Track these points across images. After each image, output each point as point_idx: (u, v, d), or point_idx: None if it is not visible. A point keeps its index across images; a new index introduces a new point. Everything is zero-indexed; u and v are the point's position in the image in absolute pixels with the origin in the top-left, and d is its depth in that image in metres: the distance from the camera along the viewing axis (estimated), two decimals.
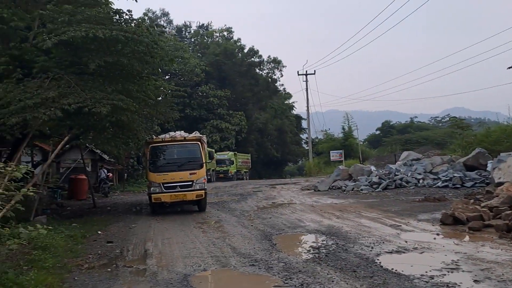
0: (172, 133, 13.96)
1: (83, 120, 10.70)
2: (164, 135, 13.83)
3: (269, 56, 48.05)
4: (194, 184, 12.63)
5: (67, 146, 16.25)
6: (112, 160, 24.69)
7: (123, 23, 10.67)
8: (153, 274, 6.19)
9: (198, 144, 13.26)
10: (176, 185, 12.53)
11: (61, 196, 17.23)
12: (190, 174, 12.64)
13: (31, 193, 5.73)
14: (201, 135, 14.20)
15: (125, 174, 26.71)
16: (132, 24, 10.72)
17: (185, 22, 51.57)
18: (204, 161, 13.12)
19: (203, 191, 12.83)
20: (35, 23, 10.21)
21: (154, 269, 6.51)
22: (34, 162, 15.54)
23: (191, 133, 14.65)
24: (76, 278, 6.10)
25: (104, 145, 15.03)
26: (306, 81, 40.49)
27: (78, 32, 8.84)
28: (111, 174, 25.04)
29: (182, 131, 14.31)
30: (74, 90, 9.34)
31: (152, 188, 12.65)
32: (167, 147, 13.22)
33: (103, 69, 10.48)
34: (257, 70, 47.31)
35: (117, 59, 9.99)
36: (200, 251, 7.59)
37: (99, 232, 10.09)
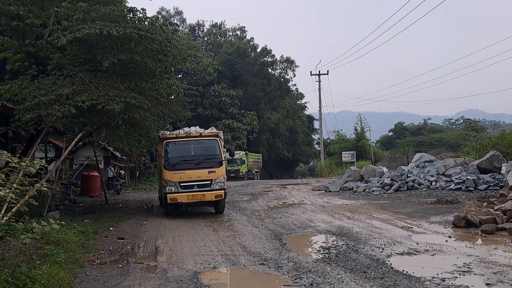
0: (186, 129, 12.89)
1: (96, 117, 10.84)
2: (178, 130, 12.87)
3: (282, 56, 47.89)
4: (213, 183, 11.62)
5: (80, 143, 16.45)
6: (124, 157, 24.93)
7: (137, 21, 10.76)
8: (164, 271, 6.23)
9: (217, 140, 12.27)
10: (194, 185, 11.53)
11: (74, 192, 17.48)
12: (209, 172, 11.66)
13: (45, 189, 5.82)
14: (217, 131, 13.09)
15: (137, 172, 26.96)
16: (146, 23, 10.80)
17: (198, 21, 51.64)
18: (223, 158, 12.18)
19: (223, 191, 11.75)
20: (50, 21, 10.38)
21: (165, 266, 6.54)
22: (48, 158, 15.74)
23: (206, 130, 13.65)
24: (87, 273, 6.16)
25: (116, 142, 15.11)
26: (319, 81, 40.28)
27: (92, 30, 8.96)
28: (123, 172, 25.31)
29: (197, 127, 13.19)
30: (88, 87, 9.46)
31: (167, 188, 11.60)
32: (183, 143, 12.20)
33: (117, 67, 10.59)
34: (270, 70, 47.19)
35: (131, 57, 10.08)
36: (210, 249, 7.62)
37: (111, 228, 10.19)
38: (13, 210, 5.39)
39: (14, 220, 5.69)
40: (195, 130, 12.63)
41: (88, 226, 9.78)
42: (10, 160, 5.49)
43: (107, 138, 15.28)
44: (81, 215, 12.09)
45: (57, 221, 6.99)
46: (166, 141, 12.12)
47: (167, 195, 11.56)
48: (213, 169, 11.73)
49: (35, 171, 5.87)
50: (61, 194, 14.99)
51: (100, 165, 20.42)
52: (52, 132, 12.29)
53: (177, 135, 12.29)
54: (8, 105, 9.65)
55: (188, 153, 12.20)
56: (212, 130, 12.87)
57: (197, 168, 11.72)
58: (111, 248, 7.95)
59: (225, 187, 11.96)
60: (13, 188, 5.22)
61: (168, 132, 12.67)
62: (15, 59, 10.58)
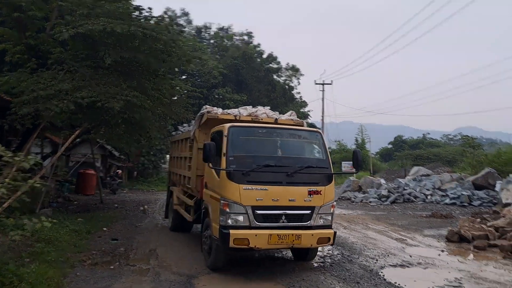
0: (250, 108, 7.78)
1: (96, 114, 10.73)
2: (233, 110, 7.82)
3: (287, 63, 47.94)
4: (315, 214, 6.30)
5: (78, 140, 16.36)
6: (122, 157, 24.82)
7: (142, 20, 10.71)
8: (156, 274, 6.16)
9: (321, 134, 7.22)
10: (281, 214, 6.14)
11: (69, 190, 17.34)
12: (310, 193, 6.29)
13: (38, 185, 5.72)
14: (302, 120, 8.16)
15: (135, 172, 26.80)
16: (151, 22, 10.74)
17: (205, 23, 51.61)
18: (332, 170, 6.86)
19: (331, 231, 6.41)
20: (53, 14, 10.27)
21: (158, 269, 6.47)
22: (44, 154, 15.67)
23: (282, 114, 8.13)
24: (78, 273, 6.07)
25: (115, 141, 14.95)
26: (323, 90, 40.56)
27: (96, 26, 8.87)
28: (120, 171, 25.21)
29: (266, 107, 7.95)
30: (88, 84, 9.36)
31: (231, 216, 5.95)
32: (264, 134, 6.86)
33: (119, 65, 10.49)
34: (275, 77, 47.20)
35: (134, 55, 9.98)
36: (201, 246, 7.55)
37: (105, 228, 10.07)
38: (4, 205, 5.30)
39: (4, 216, 5.59)
40: (264, 112, 7.58)
41: (81, 225, 9.64)
42: (3, 154, 5.40)
43: (106, 136, 15.15)
44: (74, 213, 11.95)
45: (50, 218, 6.90)
46: (230, 126, 6.49)
47: (229, 230, 5.86)
48: (318, 188, 6.36)
49: (29, 167, 5.77)
50: (55, 191, 14.86)
51: (97, 163, 20.32)
52: (49, 128, 12.15)
53: (237, 117, 7.32)
54: (5, 97, 9.51)
55: (271, 152, 6.77)
56: (292, 115, 8.06)
57: (288, 184, 6.23)
58: (103, 248, 7.84)
59: (332, 222, 6.60)
60: (5, 183, 5.14)
61: (220, 111, 7.63)
62: (14, 51, 10.43)
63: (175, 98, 16.14)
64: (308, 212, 6.24)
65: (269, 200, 6.02)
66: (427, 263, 6.87)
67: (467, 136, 31.26)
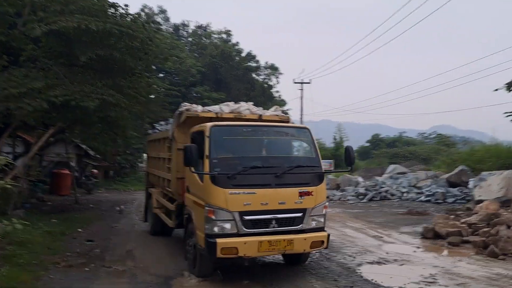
0: (232, 105, 7.26)
1: (70, 113, 10.49)
2: (214, 107, 7.18)
3: (266, 62, 48.05)
4: (306, 217, 5.91)
5: (52, 139, 15.90)
6: (98, 156, 24.33)
7: (118, 17, 10.53)
8: (133, 276, 6.07)
9: (309, 131, 6.60)
10: (271, 219, 5.72)
11: (43, 190, 16.83)
12: (301, 194, 5.90)
13: (10, 186, 5.55)
14: (287, 115, 7.69)
15: (111, 172, 26.33)
16: (127, 19, 10.58)
17: (183, 21, 51.03)
18: (322, 169, 6.48)
19: (325, 233, 6.08)
20: (25, 10, 9.97)
21: (134, 270, 6.36)
22: (16, 154, 15.22)
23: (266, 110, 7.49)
24: (51, 276, 5.91)
25: (90, 140, 14.67)
26: (302, 89, 40.84)
27: (70, 23, 8.65)
28: (96, 171, 24.70)
29: (249, 103, 7.56)
30: (62, 82, 9.15)
31: (217, 224, 5.51)
32: (249, 132, 6.37)
33: (94, 63, 10.28)
34: (254, 75, 47.22)
35: (110, 53, 9.80)
36: (183, 255, 7.48)
37: (80, 229, 9.83)
38: None
39: None
40: (248, 108, 7.15)
41: (56, 227, 9.41)
42: None
43: (81, 135, 14.85)
44: (48, 214, 11.62)
45: (22, 220, 6.71)
46: (212, 126, 5.99)
47: (215, 239, 5.41)
48: (309, 188, 5.97)
49: (1, 167, 5.59)
50: (28, 191, 14.39)
51: (72, 163, 19.83)
52: (22, 126, 11.80)
53: (219, 115, 6.83)
54: None
55: (257, 153, 6.42)
56: (277, 111, 7.54)
57: (278, 185, 5.84)
58: (78, 250, 7.66)
59: (325, 224, 6.27)
60: None
61: (200, 108, 7.01)
62: None
63: (152, 96, 15.93)
64: (299, 214, 5.82)
65: (257, 204, 5.59)
66: (403, 260, 7.02)
67: (442, 134, 32.18)
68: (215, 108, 7.01)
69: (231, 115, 6.82)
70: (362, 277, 6.01)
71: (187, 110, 6.83)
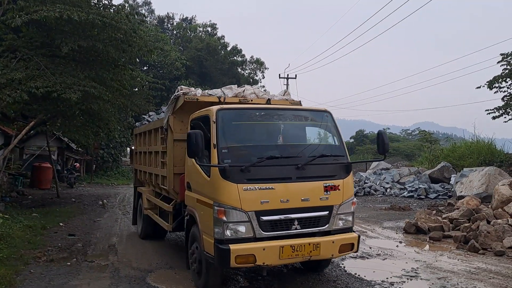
0: (235, 88, 6.35)
1: (51, 105, 10.27)
2: (215, 90, 6.28)
3: (252, 57, 47.87)
4: (333, 215, 5.02)
5: (32, 131, 15.57)
6: (80, 149, 23.92)
7: (101, 8, 10.32)
8: (116, 270, 6.00)
9: (330, 115, 5.67)
10: (293, 218, 4.80)
11: (23, 184, 16.49)
12: (326, 189, 5.00)
13: None
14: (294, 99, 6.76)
15: (94, 165, 25.94)
16: (111, 10, 10.38)
17: (168, 13, 50.39)
18: (349, 158, 5.50)
19: (354, 235, 5.24)
20: None
21: (117, 265, 6.30)
22: None
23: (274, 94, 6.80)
24: (32, 270, 5.81)
25: (72, 133, 14.37)
26: (287, 84, 40.79)
27: (51, 13, 8.44)
28: (78, 165, 24.28)
29: (254, 86, 6.83)
30: (44, 73, 8.93)
31: (229, 226, 4.57)
32: (262, 117, 5.55)
33: (77, 54, 10.09)
34: (239, 70, 47.06)
35: (93, 44, 9.61)
36: (167, 249, 7.43)
37: (61, 224, 9.67)
38: None
39: None
40: (253, 92, 6.29)
41: (36, 221, 9.25)
42: None
43: (62, 128, 14.54)
44: (29, 208, 11.40)
45: (1, 214, 6.55)
46: (219, 109, 5.04)
47: (229, 246, 4.49)
48: (335, 182, 5.08)
49: None
50: (8, 185, 14.10)
51: (53, 156, 19.44)
52: (1, 118, 11.52)
53: (221, 99, 5.93)
54: None
55: (272, 140, 5.48)
56: (287, 95, 6.76)
57: (299, 179, 4.92)
58: (60, 244, 7.54)
59: (353, 224, 5.39)
60: None
61: (200, 92, 6.13)
62: None
63: (136, 89, 15.71)
64: (325, 213, 4.91)
65: (277, 202, 4.66)
66: (386, 254, 7.13)
67: (424, 131, 32.72)
68: (217, 91, 6.14)
69: (236, 99, 5.98)
70: (345, 271, 6.09)
71: (185, 94, 5.91)
